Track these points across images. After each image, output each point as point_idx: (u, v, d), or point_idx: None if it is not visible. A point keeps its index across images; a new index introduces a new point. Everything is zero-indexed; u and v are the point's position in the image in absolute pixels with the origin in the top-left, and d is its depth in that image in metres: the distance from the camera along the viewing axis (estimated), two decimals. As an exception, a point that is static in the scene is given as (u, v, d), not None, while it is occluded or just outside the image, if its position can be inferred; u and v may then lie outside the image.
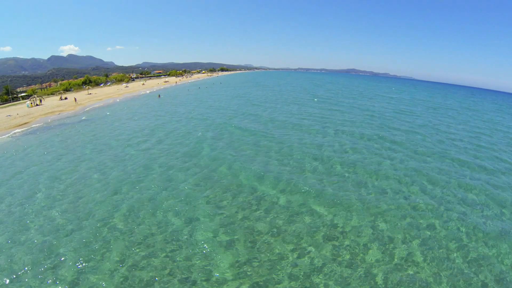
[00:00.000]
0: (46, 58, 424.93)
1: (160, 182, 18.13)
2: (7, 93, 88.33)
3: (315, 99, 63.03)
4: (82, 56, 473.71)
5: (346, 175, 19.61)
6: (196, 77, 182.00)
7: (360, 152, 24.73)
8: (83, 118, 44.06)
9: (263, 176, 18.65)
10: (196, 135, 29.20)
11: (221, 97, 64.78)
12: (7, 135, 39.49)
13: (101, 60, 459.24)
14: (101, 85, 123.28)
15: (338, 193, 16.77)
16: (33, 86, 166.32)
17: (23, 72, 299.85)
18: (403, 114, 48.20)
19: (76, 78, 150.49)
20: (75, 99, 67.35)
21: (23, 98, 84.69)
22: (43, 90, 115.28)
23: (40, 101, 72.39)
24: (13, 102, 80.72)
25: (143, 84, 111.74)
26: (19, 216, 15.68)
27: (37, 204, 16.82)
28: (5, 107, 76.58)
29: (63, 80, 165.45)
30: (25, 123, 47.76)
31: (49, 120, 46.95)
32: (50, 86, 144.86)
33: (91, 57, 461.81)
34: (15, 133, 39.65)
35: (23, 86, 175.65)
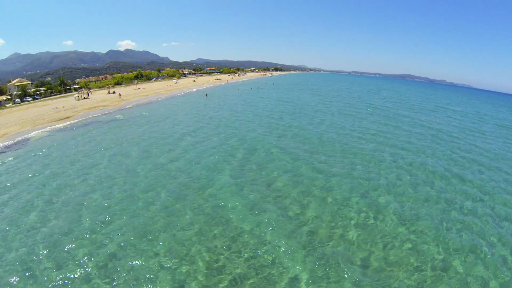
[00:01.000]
0: (104, 52, 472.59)
1: (159, 223, 15.07)
2: (61, 85, 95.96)
3: (369, 109, 56.66)
4: (138, 51, 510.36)
5: (409, 238, 14.45)
6: (250, 76, 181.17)
7: (425, 196, 18.85)
8: (118, 116, 44.18)
9: (293, 234, 14.23)
10: (223, 151, 26.10)
11: (270, 101, 61.33)
12: (45, 129, 40.91)
13: (156, 55, 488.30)
14: (153, 80, 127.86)
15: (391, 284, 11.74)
16: (90, 78, 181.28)
17: (83, 64, 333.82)
18: (472, 135, 39.78)
19: (131, 72, 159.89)
20: (120, 94, 69.60)
21: (75, 90, 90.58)
22: (96, 82, 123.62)
23: (88, 94, 76.71)
24: (64, 93, 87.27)
25: (194, 81, 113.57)
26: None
27: (24, 225, 15.35)
28: (56, 98, 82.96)
29: (119, 73, 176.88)
30: (67, 117, 49.71)
31: (89, 116, 48.12)
32: (105, 78, 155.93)
33: (146, 52, 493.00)
34: (52, 128, 40.93)
35: (82, 78, 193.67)
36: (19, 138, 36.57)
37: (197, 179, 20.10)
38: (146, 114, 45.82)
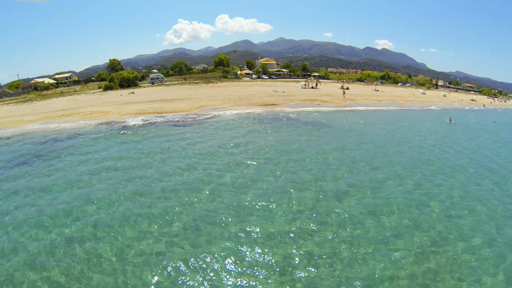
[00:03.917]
0: (361, 48, 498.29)
1: None
2: (303, 70, 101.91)
3: None
4: (395, 52, 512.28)
5: None
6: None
7: None
8: (321, 120, 36.05)
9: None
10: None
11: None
12: (239, 111, 39.26)
13: (413, 59, 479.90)
14: (399, 84, 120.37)
15: None
16: (341, 69, 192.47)
17: (339, 56, 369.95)
18: None
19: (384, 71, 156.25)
20: (344, 91, 62.91)
21: (314, 77, 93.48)
22: (341, 75, 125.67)
23: (316, 84, 75.21)
24: (300, 79, 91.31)
25: (444, 96, 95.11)
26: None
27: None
28: (288, 81, 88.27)
29: (372, 70, 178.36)
30: (273, 104, 47.49)
31: (295, 109, 43.37)
32: (356, 72, 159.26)
33: (403, 55, 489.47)
34: (246, 112, 38.74)
35: (337, 68, 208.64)
36: (205, 114, 36.09)
37: None
38: (355, 126, 34.92)
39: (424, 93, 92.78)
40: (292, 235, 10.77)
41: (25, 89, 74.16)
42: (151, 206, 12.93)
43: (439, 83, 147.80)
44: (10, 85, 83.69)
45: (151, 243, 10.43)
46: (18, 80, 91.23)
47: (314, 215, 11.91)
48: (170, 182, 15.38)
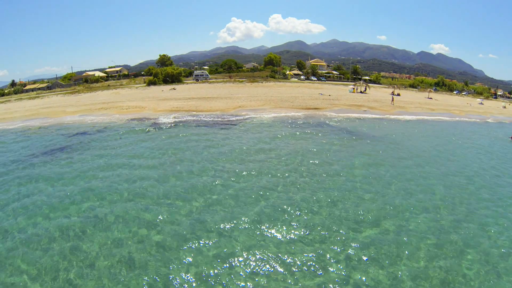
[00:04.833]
0: (416, 52, 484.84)
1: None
2: (353, 73, 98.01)
3: None
4: (451, 58, 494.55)
5: None
6: None
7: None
8: (361, 129, 33.44)
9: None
10: None
11: None
12: (277, 114, 37.50)
13: (470, 66, 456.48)
14: (455, 92, 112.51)
15: None
16: (394, 74, 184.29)
17: (393, 60, 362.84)
18: None
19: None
20: (393, 98, 58.47)
21: (364, 81, 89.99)
22: (394, 80, 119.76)
23: (365, 89, 71.29)
24: (350, 82, 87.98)
25: (505, 107, 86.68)
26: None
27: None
28: (337, 84, 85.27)
29: (426, 76, 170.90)
30: (315, 108, 45.19)
31: (335, 115, 40.72)
32: (409, 78, 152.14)
33: (459, 61, 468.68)
34: (282, 115, 36.98)
35: (390, 72, 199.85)
36: (241, 115, 34.94)
37: None
38: (398, 137, 31.59)
39: (482, 103, 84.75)
40: (282, 273, 9.03)
41: (77, 81, 79.64)
42: (145, 210, 12.53)
43: (498, 93, 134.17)
44: (64, 77, 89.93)
45: (132, 251, 10.08)
46: (72, 72, 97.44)
47: (317, 250, 9.98)
48: (172, 186, 14.75)
